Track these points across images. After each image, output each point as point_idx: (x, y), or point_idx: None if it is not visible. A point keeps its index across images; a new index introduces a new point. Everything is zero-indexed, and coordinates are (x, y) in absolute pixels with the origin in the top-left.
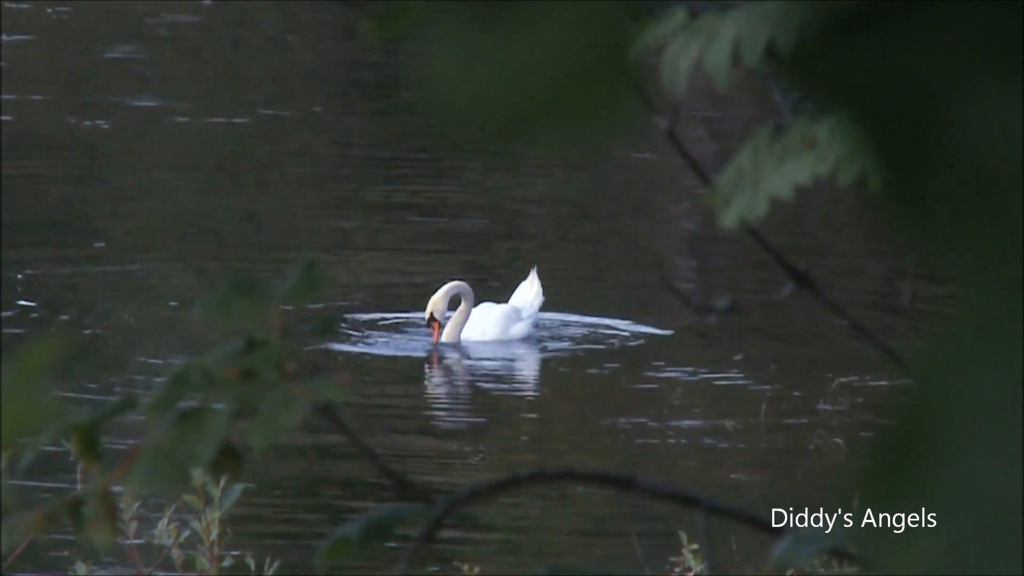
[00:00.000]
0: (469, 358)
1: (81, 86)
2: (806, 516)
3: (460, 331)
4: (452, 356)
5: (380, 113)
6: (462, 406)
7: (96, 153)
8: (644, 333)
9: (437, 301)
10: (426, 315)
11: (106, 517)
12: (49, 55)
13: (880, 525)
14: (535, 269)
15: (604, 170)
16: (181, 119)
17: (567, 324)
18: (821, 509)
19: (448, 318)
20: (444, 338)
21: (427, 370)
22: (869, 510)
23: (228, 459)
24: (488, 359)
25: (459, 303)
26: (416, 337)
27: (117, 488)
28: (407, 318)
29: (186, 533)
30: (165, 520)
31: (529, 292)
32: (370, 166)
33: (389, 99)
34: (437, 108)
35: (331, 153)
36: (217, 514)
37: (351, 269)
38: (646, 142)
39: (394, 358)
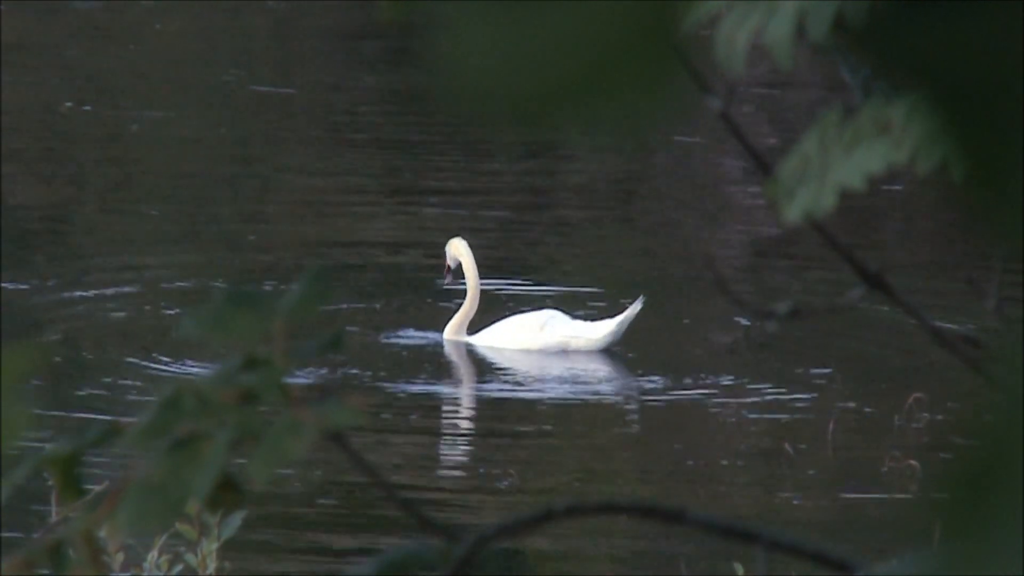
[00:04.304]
0: (483, 365)
1: (64, 59)
2: (879, 549)
3: (463, 327)
4: (460, 360)
5: (394, 83)
6: (485, 425)
7: (85, 139)
8: (693, 341)
9: (454, 247)
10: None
11: (91, 561)
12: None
13: (964, 561)
14: (642, 299)
15: (649, 156)
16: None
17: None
18: (895, 541)
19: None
20: (447, 334)
21: (440, 385)
22: (951, 543)
23: (227, 492)
24: (508, 369)
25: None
26: (428, 336)
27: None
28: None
29: (179, 567)
30: (155, 552)
31: (616, 320)
32: (388, 147)
33: (405, 68)
34: (463, 89)
35: (337, 134)
36: (215, 545)
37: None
38: (695, 124)
39: (402, 367)
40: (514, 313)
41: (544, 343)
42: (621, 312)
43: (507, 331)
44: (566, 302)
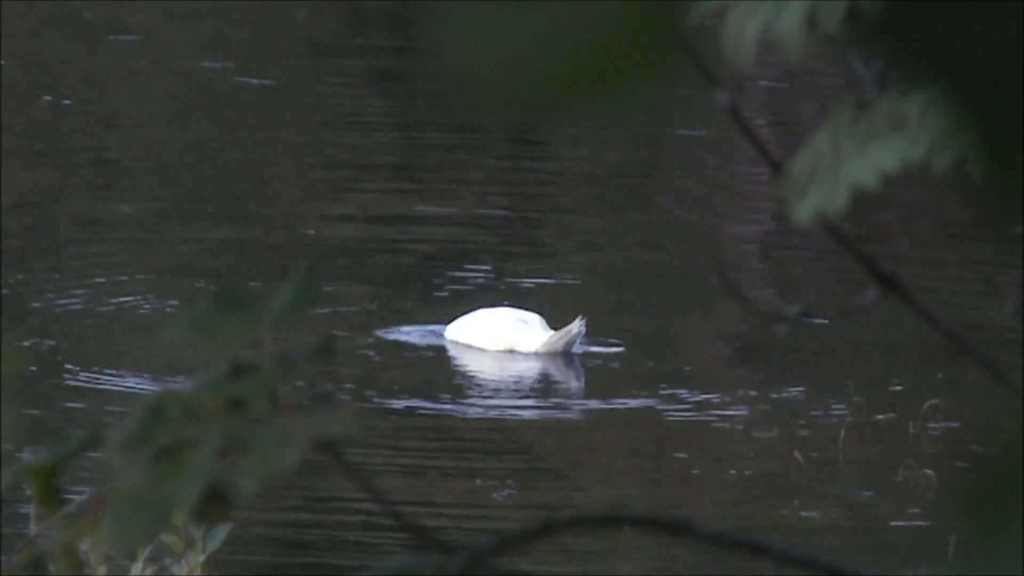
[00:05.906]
0: (481, 372)
1: (46, 39)
2: (893, 562)
3: (467, 332)
4: (458, 367)
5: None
6: (483, 434)
7: (66, 134)
8: (696, 346)
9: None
10: None
11: (72, 574)
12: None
13: (981, 574)
14: (581, 319)
15: (649, 149)
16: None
17: (604, 337)
18: (910, 553)
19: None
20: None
21: (435, 387)
22: (967, 555)
23: (214, 504)
24: (508, 376)
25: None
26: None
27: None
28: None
29: None
30: (139, 564)
31: (553, 333)
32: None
33: (397, 57)
34: (461, 83)
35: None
36: (201, 558)
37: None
38: (699, 117)
39: (397, 374)
40: (503, 305)
41: (496, 344)
42: (621, 312)
43: (475, 326)
44: (562, 294)
